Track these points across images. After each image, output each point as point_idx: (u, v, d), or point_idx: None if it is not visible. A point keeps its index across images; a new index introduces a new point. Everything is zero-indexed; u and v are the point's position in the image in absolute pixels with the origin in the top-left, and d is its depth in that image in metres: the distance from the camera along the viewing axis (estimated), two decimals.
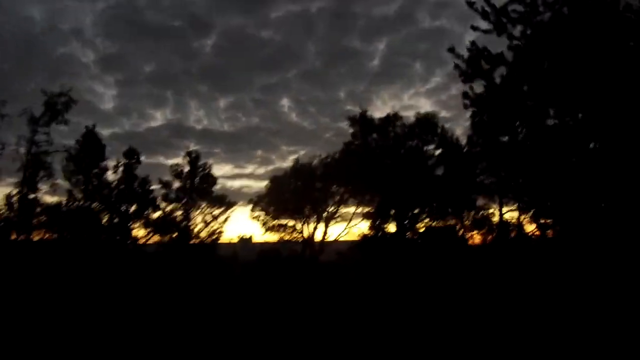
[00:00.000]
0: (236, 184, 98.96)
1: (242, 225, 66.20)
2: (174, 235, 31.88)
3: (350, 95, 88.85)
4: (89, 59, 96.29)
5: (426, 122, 31.81)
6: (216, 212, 37.07)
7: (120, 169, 31.64)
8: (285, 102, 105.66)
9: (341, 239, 39.74)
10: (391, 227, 31.78)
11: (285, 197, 38.77)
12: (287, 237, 41.36)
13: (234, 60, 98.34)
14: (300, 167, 39.26)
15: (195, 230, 34.86)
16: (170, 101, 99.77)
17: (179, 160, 38.43)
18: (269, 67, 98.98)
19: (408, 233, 28.86)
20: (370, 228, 32.95)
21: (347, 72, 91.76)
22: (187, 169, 36.94)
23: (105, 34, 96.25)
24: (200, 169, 37.31)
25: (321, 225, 39.76)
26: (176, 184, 36.34)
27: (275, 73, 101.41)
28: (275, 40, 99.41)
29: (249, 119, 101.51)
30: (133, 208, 31.59)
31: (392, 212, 29.62)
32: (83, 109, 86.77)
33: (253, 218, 41.55)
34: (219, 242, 37.04)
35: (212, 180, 37.63)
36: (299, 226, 40.42)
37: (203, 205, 36.68)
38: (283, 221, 40.94)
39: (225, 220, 37.53)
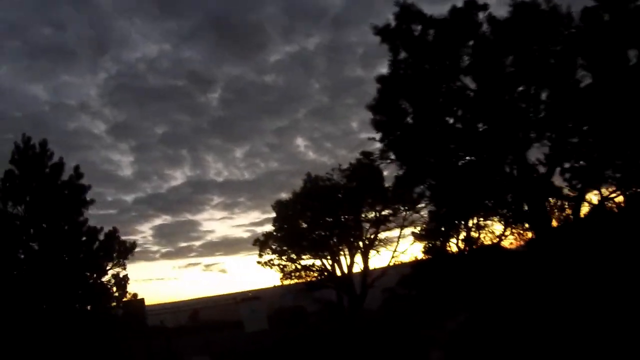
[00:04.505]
0: (266, 229, 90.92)
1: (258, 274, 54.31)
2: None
3: (362, 124, 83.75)
4: (100, 129, 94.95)
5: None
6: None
7: None
8: (300, 142, 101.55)
9: (391, 265, 27.72)
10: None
11: (299, 228, 27.05)
12: (313, 280, 29.67)
13: (242, 109, 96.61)
14: (313, 185, 27.56)
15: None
16: (187, 159, 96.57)
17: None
18: (277, 111, 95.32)
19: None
20: (430, 245, 20.78)
21: (355, 102, 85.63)
22: None
23: (112, 104, 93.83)
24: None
25: (358, 258, 27.90)
26: None
27: (285, 115, 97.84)
28: (278, 83, 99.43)
29: (267, 164, 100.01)
30: None
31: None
32: (103, 179, 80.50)
33: (264, 264, 30.02)
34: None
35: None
36: (328, 264, 28.66)
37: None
38: (305, 261, 29.24)
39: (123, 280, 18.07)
